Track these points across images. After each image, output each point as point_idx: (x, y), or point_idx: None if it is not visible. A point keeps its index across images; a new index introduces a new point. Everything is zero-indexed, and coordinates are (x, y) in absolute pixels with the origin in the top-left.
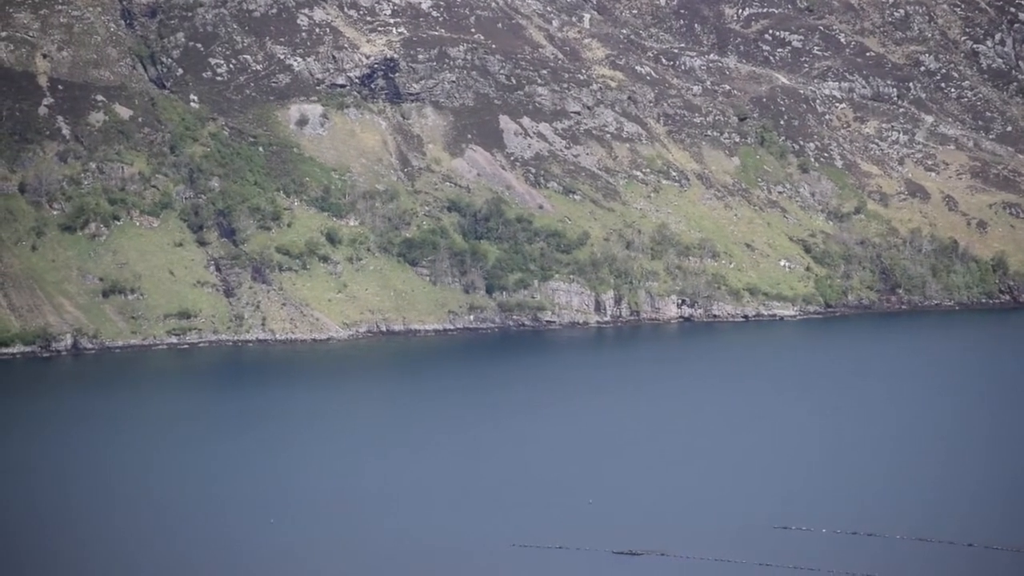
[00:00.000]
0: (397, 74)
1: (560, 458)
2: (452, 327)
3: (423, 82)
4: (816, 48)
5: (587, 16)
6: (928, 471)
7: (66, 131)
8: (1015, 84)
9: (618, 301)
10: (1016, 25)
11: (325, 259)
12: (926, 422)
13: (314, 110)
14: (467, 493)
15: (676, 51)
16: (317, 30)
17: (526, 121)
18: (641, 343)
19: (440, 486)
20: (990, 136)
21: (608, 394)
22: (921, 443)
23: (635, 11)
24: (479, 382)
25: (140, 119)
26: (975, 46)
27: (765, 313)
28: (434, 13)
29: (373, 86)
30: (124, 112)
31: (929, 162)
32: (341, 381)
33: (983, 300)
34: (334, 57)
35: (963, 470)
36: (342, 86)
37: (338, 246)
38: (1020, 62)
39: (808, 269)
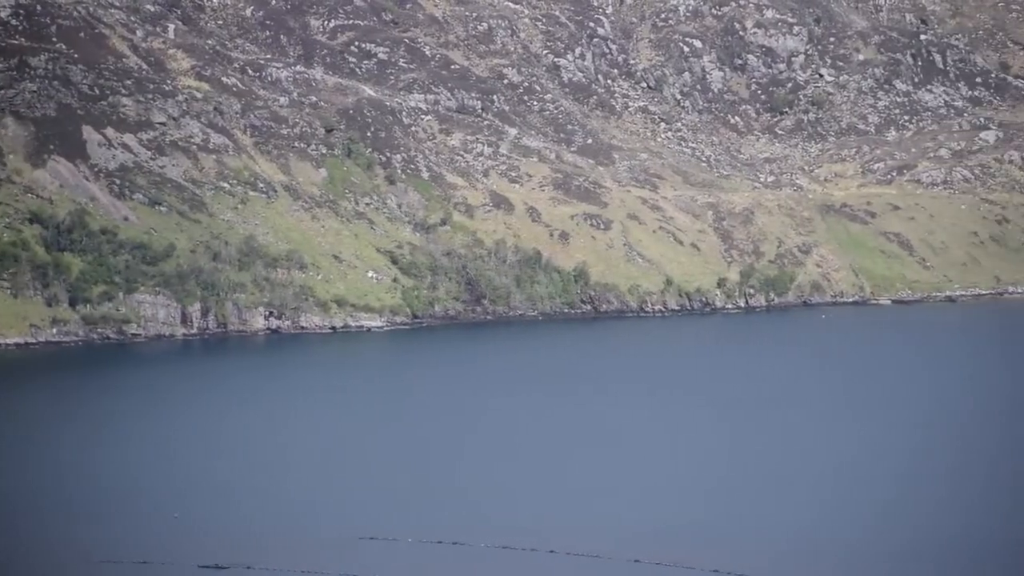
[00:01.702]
0: None
1: (148, 469)
2: (34, 340)
3: (2, 92)
4: (402, 60)
5: (172, 26)
6: (513, 477)
7: None
8: (595, 98)
9: (205, 313)
10: (595, 40)
11: None
12: (511, 427)
13: None
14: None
15: (262, 62)
16: None
17: (110, 132)
18: (227, 356)
19: None
20: (571, 148)
21: (191, 406)
22: (505, 450)
23: (221, 22)
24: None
25: None
26: (556, 60)
27: (352, 325)
28: (13, 21)
29: None
30: None
31: (513, 174)
32: None
33: (565, 310)
34: None
35: (536, 473)
36: None
37: None
38: (600, 76)
39: (395, 280)
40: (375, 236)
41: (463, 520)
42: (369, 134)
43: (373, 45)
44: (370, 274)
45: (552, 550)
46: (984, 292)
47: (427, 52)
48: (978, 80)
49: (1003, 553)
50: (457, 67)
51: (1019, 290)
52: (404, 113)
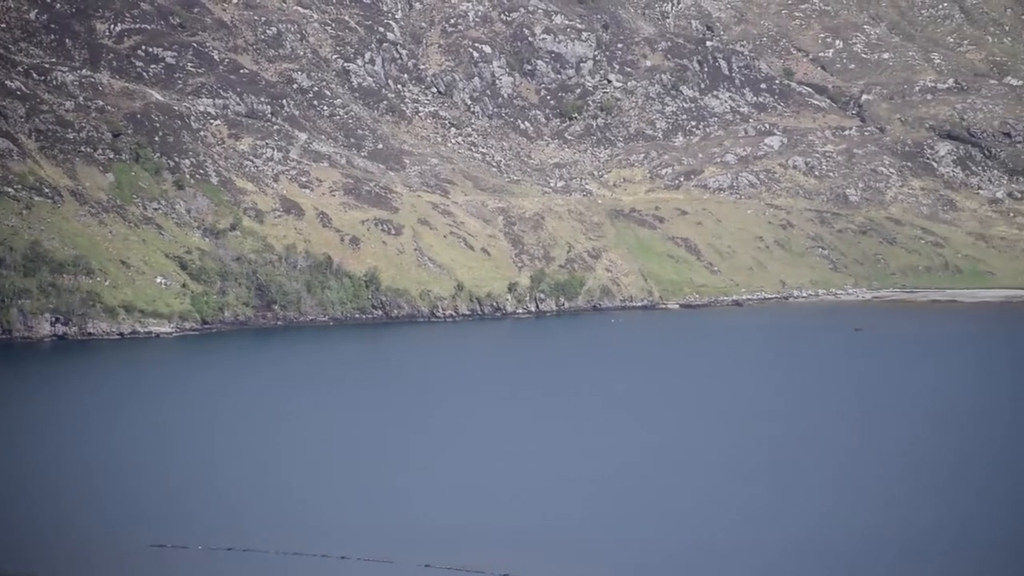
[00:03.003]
0: None
1: None
2: None
3: None
4: (190, 65)
5: None
6: (308, 482)
7: None
8: (385, 102)
9: None
10: (385, 44)
11: None
12: (306, 431)
13: None
14: None
15: (47, 66)
16: None
17: None
18: (10, 363)
19: None
20: (362, 154)
21: None
22: (300, 454)
23: (4, 25)
24: None
25: None
26: (346, 64)
27: (141, 331)
28: None
29: None
30: None
31: (303, 179)
32: None
33: (357, 315)
34: None
35: (331, 478)
36: None
37: None
38: (390, 81)
39: (184, 286)
40: (164, 241)
41: (256, 526)
42: (157, 139)
43: (161, 49)
44: (159, 280)
45: (344, 555)
46: (770, 296)
47: (216, 56)
48: (763, 86)
49: (801, 552)
50: (246, 72)
51: (803, 294)
52: (192, 118)
